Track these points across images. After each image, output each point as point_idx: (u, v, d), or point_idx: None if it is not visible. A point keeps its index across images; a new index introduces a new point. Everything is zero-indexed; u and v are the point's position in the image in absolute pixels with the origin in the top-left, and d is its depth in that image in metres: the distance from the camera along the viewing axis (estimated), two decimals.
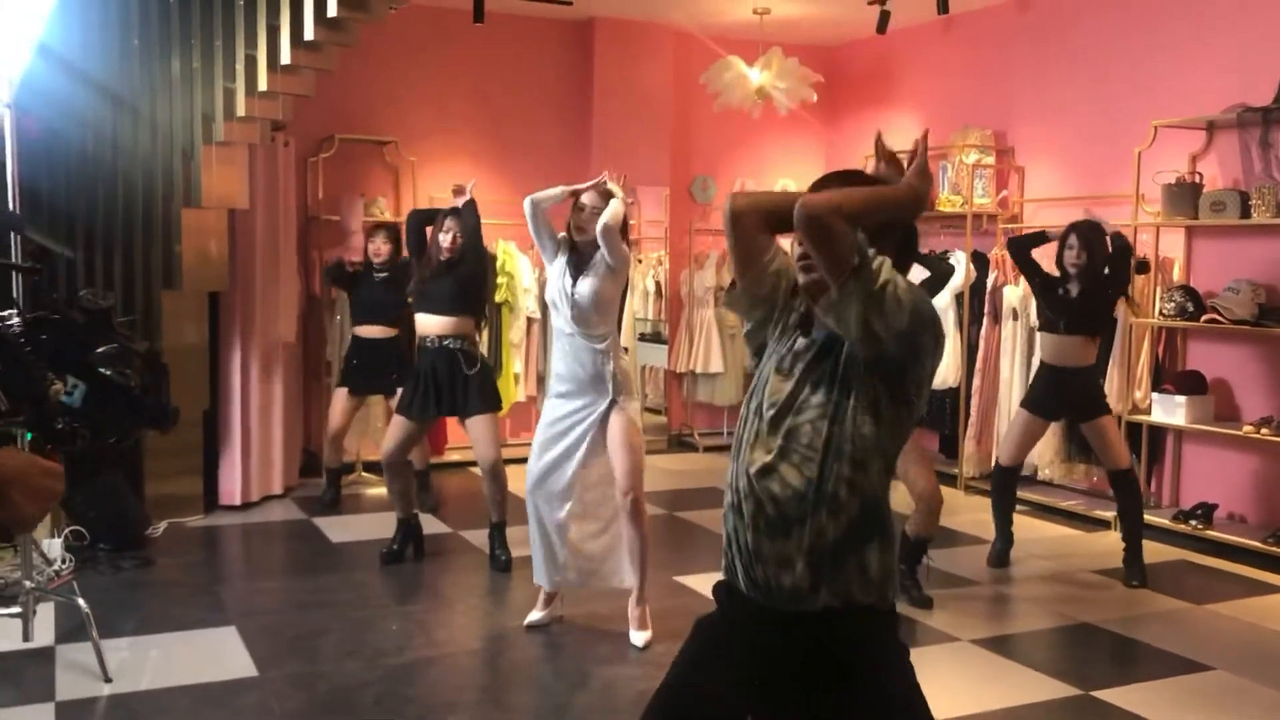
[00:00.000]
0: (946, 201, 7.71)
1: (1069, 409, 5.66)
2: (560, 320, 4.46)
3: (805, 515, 2.02)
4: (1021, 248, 5.75)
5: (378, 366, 6.53)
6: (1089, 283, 5.40)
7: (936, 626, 4.69)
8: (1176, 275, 6.49)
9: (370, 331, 6.55)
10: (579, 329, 4.41)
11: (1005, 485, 5.68)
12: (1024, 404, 5.70)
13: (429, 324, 5.41)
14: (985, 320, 7.31)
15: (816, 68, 7.66)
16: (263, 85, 5.83)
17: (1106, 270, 5.48)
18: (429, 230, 5.49)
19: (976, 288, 7.39)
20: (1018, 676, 4.20)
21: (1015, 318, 7.14)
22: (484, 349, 7.86)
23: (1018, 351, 7.12)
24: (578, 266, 4.43)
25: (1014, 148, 7.57)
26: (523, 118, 8.30)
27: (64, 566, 5.12)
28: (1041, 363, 5.66)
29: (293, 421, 6.95)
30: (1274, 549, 5.62)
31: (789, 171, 9.16)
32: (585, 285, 4.38)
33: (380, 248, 6.52)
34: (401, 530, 5.58)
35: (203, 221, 6.08)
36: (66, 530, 5.36)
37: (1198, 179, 6.19)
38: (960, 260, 7.47)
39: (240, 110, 5.89)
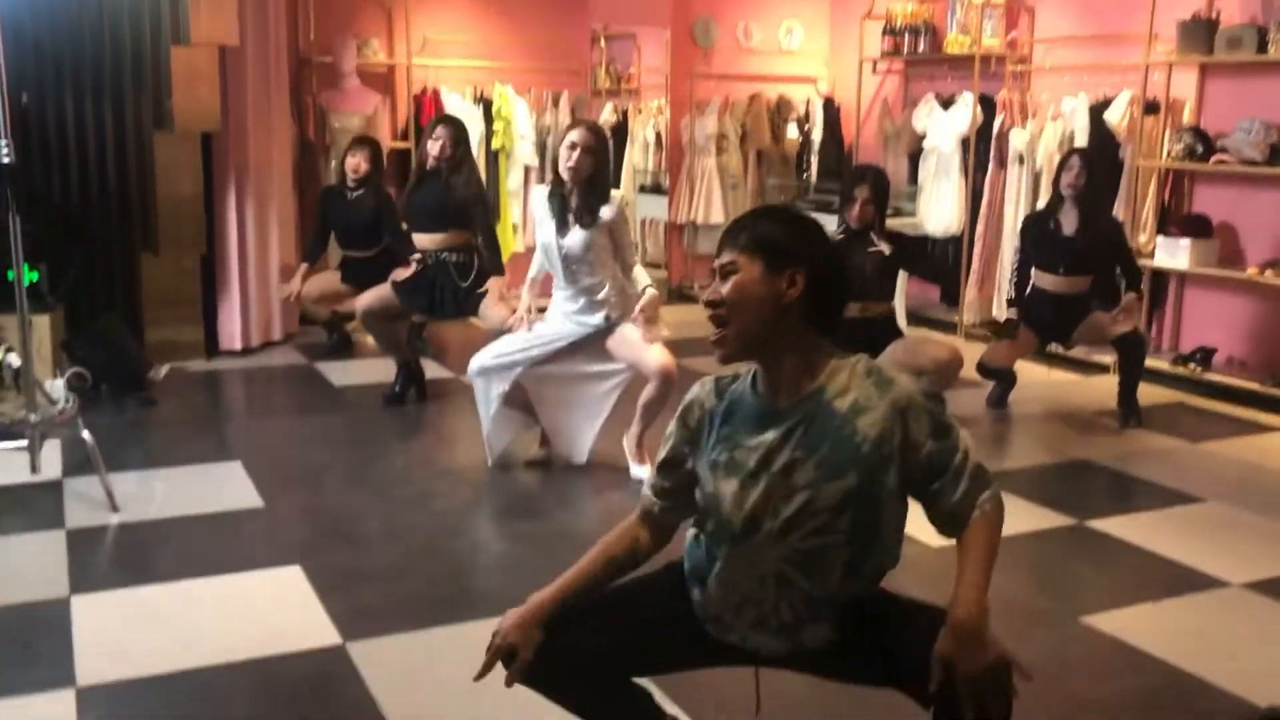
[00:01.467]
0: (954, 43, 7.53)
1: (1067, 329, 5.53)
2: (554, 272, 4.38)
3: (826, 613, 2.00)
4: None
5: (370, 275, 6.09)
6: (1086, 209, 5.29)
7: None
8: (1187, 117, 6.36)
9: (356, 253, 6.33)
10: (568, 282, 4.32)
11: (996, 374, 5.63)
12: (1024, 321, 5.54)
13: (424, 241, 5.35)
14: (991, 165, 7.21)
15: None
16: None
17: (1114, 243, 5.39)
18: None
19: (983, 132, 7.26)
20: (1014, 507, 4.17)
21: (1021, 162, 7.03)
22: None
23: (1022, 198, 7.03)
24: (565, 212, 4.25)
25: None
26: None
27: (67, 405, 5.13)
28: (1036, 287, 5.49)
29: (290, 268, 6.89)
30: (1272, 390, 5.64)
31: (793, 11, 8.89)
32: (576, 238, 4.24)
33: (359, 164, 6.16)
34: (402, 373, 5.60)
35: (193, 60, 5.93)
36: (69, 371, 5.37)
37: (1215, 15, 6.01)
38: (967, 103, 7.34)
39: None
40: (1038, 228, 5.45)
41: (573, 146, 4.19)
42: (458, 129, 5.32)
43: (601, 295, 4.34)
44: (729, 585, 2.00)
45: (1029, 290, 5.57)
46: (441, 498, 4.27)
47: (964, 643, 1.82)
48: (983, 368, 5.60)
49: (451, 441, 5.08)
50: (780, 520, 1.92)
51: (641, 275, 4.43)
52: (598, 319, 4.36)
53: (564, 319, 4.40)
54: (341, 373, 6.19)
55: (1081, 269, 5.38)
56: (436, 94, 7.68)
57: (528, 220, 8.11)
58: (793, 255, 1.92)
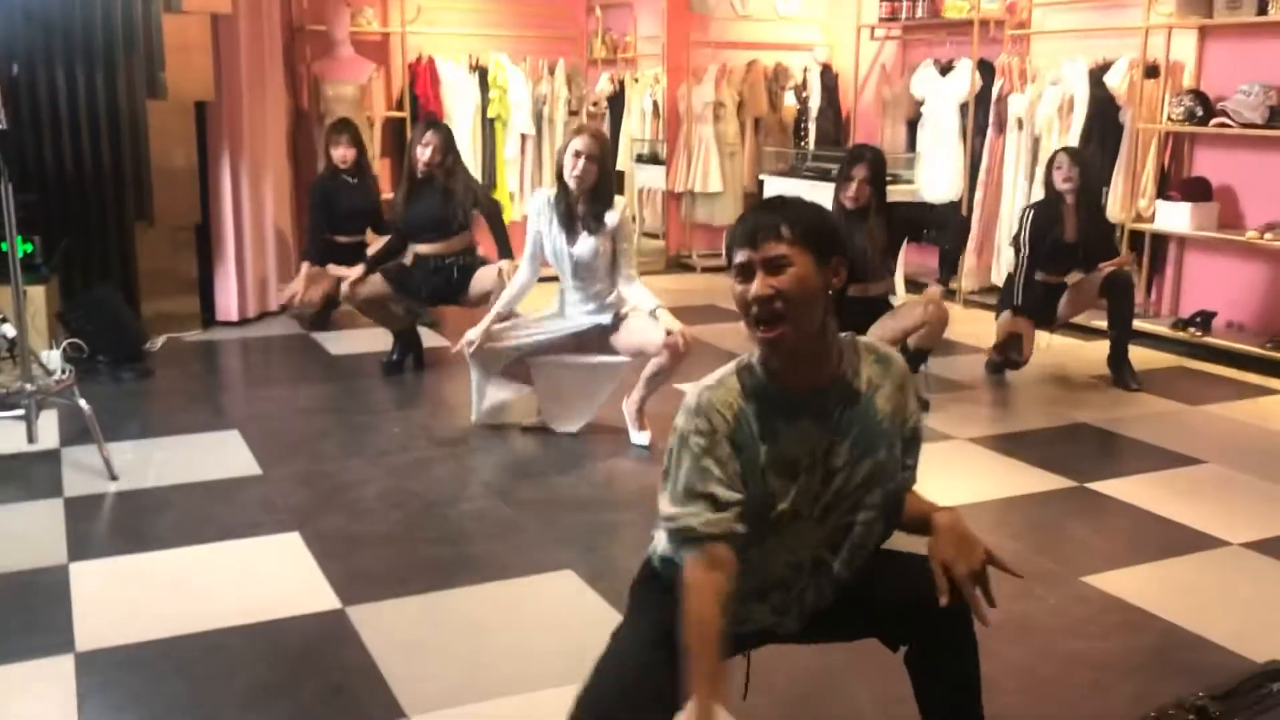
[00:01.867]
0: (952, 8, 7.47)
1: (1053, 312, 5.51)
2: (561, 276, 4.38)
3: (844, 588, 2.04)
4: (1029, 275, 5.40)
5: (356, 262, 6.22)
6: (1085, 213, 5.28)
7: (934, 426, 4.73)
8: (1187, 81, 6.32)
9: (348, 239, 6.32)
10: (579, 288, 4.35)
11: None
12: (1024, 312, 5.38)
13: (426, 249, 5.35)
14: (990, 131, 7.17)
15: None
16: None
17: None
18: None
19: (982, 98, 7.22)
20: (1014, 470, 4.25)
21: (1020, 128, 6.99)
22: (478, 167, 7.77)
23: (1021, 163, 7.00)
24: (573, 220, 4.27)
25: None
26: None
27: (64, 376, 5.11)
28: (1037, 281, 5.39)
29: (286, 238, 6.86)
30: (1272, 354, 5.64)
31: None
32: (586, 245, 4.27)
33: (346, 154, 6.17)
34: (399, 342, 5.58)
35: (185, 28, 5.88)
36: (65, 342, 5.34)
37: None
38: (966, 68, 7.30)
39: None
40: (1045, 232, 5.29)
41: (577, 155, 4.19)
42: (446, 135, 5.35)
43: (612, 298, 4.41)
44: (759, 575, 1.97)
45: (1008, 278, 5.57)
46: (439, 464, 4.26)
47: (958, 541, 1.93)
48: (1003, 343, 5.48)
49: (449, 409, 5.06)
50: (820, 506, 1.93)
51: (644, 293, 4.38)
52: (607, 317, 4.41)
53: (574, 316, 4.43)
54: (339, 342, 6.17)
55: (1076, 269, 5.42)
56: (432, 63, 7.63)
57: (524, 189, 8.08)
58: (836, 243, 1.89)
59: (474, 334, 4.39)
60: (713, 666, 1.77)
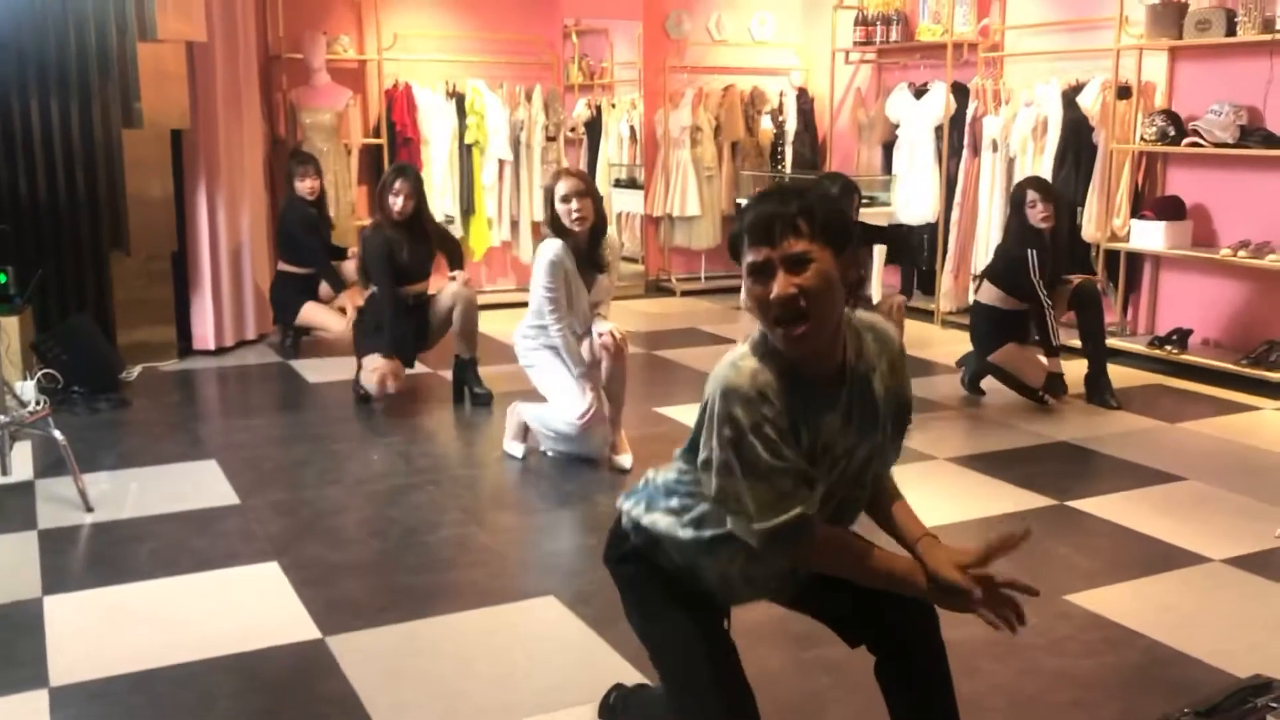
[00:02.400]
0: (926, 31, 7.54)
1: (1026, 331, 5.50)
2: (581, 321, 4.37)
3: None
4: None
5: (307, 294, 6.40)
6: (1060, 239, 5.31)
7: (913, 446, 4.73)
8: (1159, 101, 6.39)
9: (291, 269, 6.36)
10: (583, 327, 4.37)
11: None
12: (1006, 339, 5.40)
13: (411, 289, 5.42)
14: (965, 153, 7.22)
15: None
16: None
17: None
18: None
19: (956, 120, 7.27)
20: (995, 490, 4.26)
21: (995, 149, 7.04)
22: (456, 193, 7.81)
23: (996, 184, 7.05)
24: (587, 262, 4.31)
25: None
26: None
27: (38, 407, 5.06)
28: (1000, 309, 5.38)
29: (263, 266, 6.83)
30: (1248, 370, 5.68)
31: (764, 3, 8.89)
32: (604, 283, 4.36)
33: (314, 185, 6.25)
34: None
35: (160, 56, 5.86)
36: (40, 373, 5.29)
37: None
38: (940, 91, 7.35)
39: None
40: (1047, 268, 5.25)
41: (566, 199, 4.20)
42: (415, 179, 5.38)
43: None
44: (769, 564, 1.95)
45: (975, 308, 5.64)
46: (418, 491, 4.23)
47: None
48: (1049, 384, 5.38)
49: (429, 437, 5.04)
50: (824, 489, 1.89)
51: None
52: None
53: (581, 356, 4.43)
54: (316, 370, 6.13)
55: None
56: (409, 89, 7.64)
57: (502, 215, 8.08)
58: (850, 233, 1.82)
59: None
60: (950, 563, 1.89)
